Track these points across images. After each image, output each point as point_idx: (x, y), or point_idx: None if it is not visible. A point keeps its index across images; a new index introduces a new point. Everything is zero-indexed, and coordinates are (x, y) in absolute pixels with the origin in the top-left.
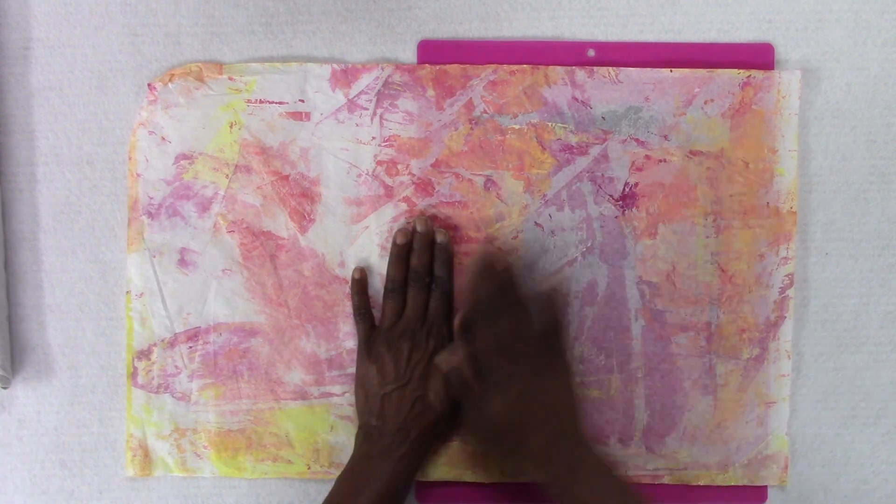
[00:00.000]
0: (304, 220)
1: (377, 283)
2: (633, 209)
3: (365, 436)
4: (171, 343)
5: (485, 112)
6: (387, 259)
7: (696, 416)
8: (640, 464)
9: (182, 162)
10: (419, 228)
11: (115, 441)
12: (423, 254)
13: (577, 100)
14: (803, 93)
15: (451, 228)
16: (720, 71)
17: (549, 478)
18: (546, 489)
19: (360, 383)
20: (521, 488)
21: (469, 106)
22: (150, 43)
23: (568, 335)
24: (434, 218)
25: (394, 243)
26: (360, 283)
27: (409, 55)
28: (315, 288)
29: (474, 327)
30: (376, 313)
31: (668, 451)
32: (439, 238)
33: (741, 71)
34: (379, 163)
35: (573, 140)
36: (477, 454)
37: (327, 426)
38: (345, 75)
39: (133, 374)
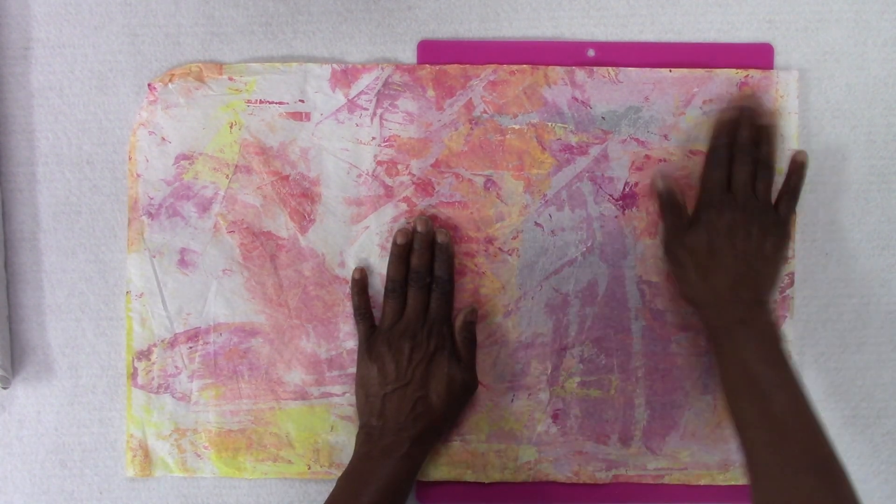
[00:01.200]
0: (304, 220)
1: (377, 283)
2: (633, 209)
3: (366, 436)
4: (171, 343)
5: (485, 112)
6: (387, 259)
7: (697, 415)
8: (640, 464)
9: (182, 162)
10: (419, 228)
11: (115, 441)
12: (423, 254)
13: (576, 100)
14: (803, 93)
15: (452, 228)
16: (719, 71)
17: (715, 322)
18: (709, 332)
19: (361, 383)
20: (521, 488)
21: (469, 106)
22: (150, 43)
23: (795, 206)
24: (434, 218)
25: (394, 243)
26: (360, 283)
27: (409, 55)
28: (315, 288)
29: (714, 160)
30: (376, 313)
31: (668, 450)
32: (440, 238)
33: (739, 71)
34: (379, 163)
35: (573, 140)
36: (668, 268)
37: (327, 426)
38: (345, 75)
39: (133, 375)
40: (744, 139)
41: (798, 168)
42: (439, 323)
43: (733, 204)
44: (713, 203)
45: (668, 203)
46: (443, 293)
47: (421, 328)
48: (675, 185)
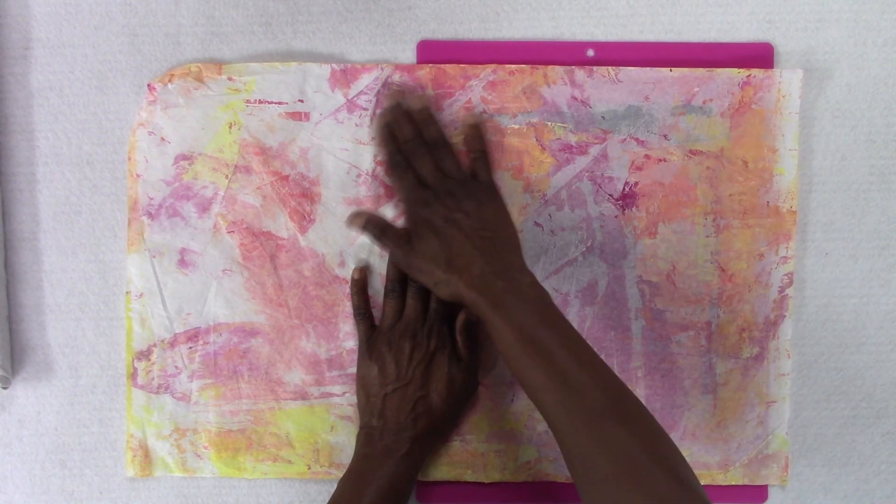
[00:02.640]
0: (303, 220)
1: (377, 283)
2: (633, 209)
3: (366, 436)
4: (171, 343)
5: (484, 112)
6: (387, 259)
7: (697, 415)
8: None
9: (182, 162)
10: None
11: (115, 441)
12: None
13: (576, 99)
14: (803, 92)
15: None
16: (720, 70)
17: (483, 303)
18: (480, 316)
19: (362, 384)
20: (521, 488)
21: (468, 106)
22: (150, 43)
23: (493, 163)
24: None
25: None
26: (360, 283)
27: (409, 55)
28: (315, 288)
29: (396, 170)
30: (376, 313)
31: None
32: None
33: (741, 70)
34: (379, 163)
35: (573, 140)
36: (421, 282)
37: (327, 426)
38: (344, 75)
39: (133, 375)
40: (406, 134)
41: (473, 132)
42: (439, 323)
43: (436, 195)
44: (418, 205)
45: (379, 230)
46: None
47: (421, 328)
48: (370, 212)
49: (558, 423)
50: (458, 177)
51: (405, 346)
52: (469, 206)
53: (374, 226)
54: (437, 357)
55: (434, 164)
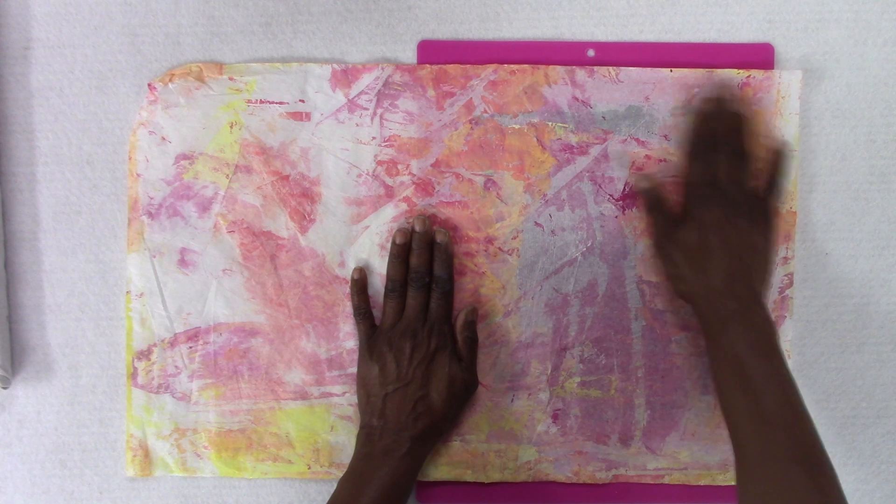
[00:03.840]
0: (304, 220)
1: (377, 283)
2: (634, 209)
3: (366, 436)
4: (171, 343)
5: (485, 112)
6: (387, 259)
7: (697, 415)
8: (640, 464)
9: (182, 162)
10: (418, 228)
11: (115, 441)
12: (422, 253)
13: (577, 99)
14: (803, 93)
15: (451, 228)
16: (720, 71)
17: (710, 315)
18: (703, 325)
19: (362, 383)
20: (521, 488)
21: (469, 106)
22: (150, 43)
23: (780, 197)
24: (434, 218)
25: (393, 243)
26: (360, 283)
27: (409, 55)
28: (315, 288)
29: (697, 155)
30: (376, 313)
31: (668, 450)
32: (439, 238)
33: (741, 71)
34: (379, 163)
35: (573, 140)
36: (659, 266)
37: (327, 426)
38: (345, 75)
39: (133, 375)
40: (723, 131)
41: (780, 160)
42: (440, 322)
43: (720, 197)
44: (701, 198)
45: (655, 202)
46: (443, 293)
47: (421, 328)
48: (659, 183)
49: (748, 454)
50: (747, 193)
51: (405, 346)
52: (745, 223)
53: (652, 196)
54: (437, 357)
55: (734, 169)
